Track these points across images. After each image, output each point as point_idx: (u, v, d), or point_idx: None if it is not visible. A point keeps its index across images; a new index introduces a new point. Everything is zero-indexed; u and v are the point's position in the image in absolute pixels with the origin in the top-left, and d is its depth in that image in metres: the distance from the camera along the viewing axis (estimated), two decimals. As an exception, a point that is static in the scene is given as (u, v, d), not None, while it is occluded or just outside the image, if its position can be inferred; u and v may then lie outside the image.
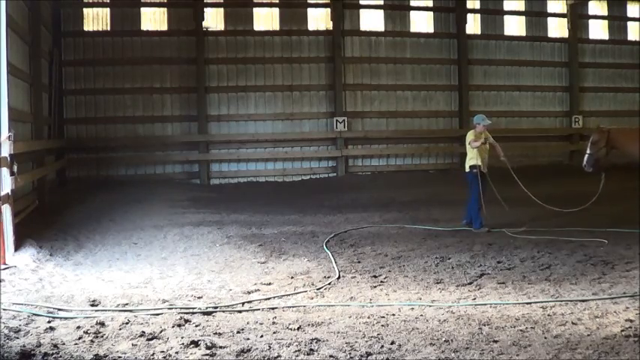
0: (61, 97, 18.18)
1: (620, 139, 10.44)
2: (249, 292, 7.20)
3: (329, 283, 7.65)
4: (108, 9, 19.01)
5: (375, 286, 7.49)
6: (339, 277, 7.96)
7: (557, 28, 22.73)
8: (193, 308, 6.43)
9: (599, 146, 10.47)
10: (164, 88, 19.33)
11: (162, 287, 7.47)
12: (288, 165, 20.07)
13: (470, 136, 11.61)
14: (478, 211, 11.37)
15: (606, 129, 10.70)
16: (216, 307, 6.50)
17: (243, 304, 6.71)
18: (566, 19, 22.53)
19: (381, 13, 21.02)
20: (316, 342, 5.27)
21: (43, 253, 9.21)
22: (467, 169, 11.66)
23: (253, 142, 19.78)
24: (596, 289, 7.06)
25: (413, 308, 6.44)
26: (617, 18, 23.40)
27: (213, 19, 19.72)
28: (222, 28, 19.71)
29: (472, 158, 11.52)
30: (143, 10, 19.34)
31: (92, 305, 6.56)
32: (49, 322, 5.91)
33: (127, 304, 6.59)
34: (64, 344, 5.21)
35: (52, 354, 4.97)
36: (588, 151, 10.60)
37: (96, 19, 18.99)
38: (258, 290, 7.33)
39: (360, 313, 6.26)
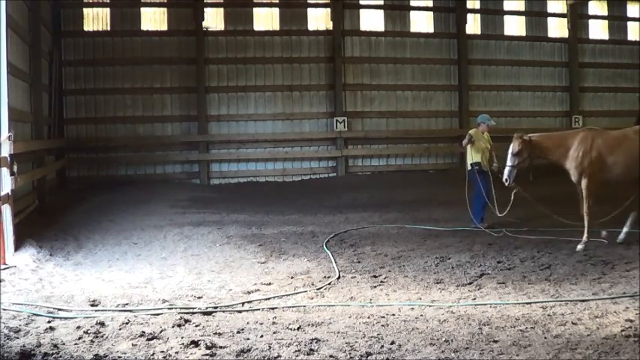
0: (61, 97, 18.18)
1: (543, 146, 9.66)
2: (249, 292, 7.20)
3: (329, 283, 7.65)
4: (108, 9, 19.01)
5: (375, 286, 7.49)
6: (339, 277, 7.96)
7: (557, 28, 22.73)
8: (193, 308, 6.43)
9: (523, 157, 9.60)
10: (164, 88, 19.33)
11: (162, 287, 7.47)
12: (288, 165, 20.07)
13: (475, 135, 11.69)
14: (480, 208, 11.40)
15: (527, 137, 9.67)
16: (216, 307, 6.50)
17: (243, 304, 6.71)
18: (566, 19, 22.53)
19: (381, 13, 21.02)
20: (316, 342, 5.28)
21: (43, 253, 9.21)
22: (468, 167, 11.74)
23: (253, 142, 19.78)
24: (596, 289, 7.07)
25: (413, 308, 6.44)
26: (617, 18, 23.39)
27: (213, 19, 19.73)
28: (222, 28, 19.71)
29: (473, 156, 11.60)
30: (143, 10, 19.35)
31: (92, 305, 6.56)
32: (49, 322, 5.91)
33: (127, 304, 6.59)
34: (64, 344, 5.21)
35: (52, 354, 4.97)
36: (509, 164, 9.66)
37: (96, 19, 18.99)
38: (258, 290, 7.33)
39: (360, 313, 6.26)
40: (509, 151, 9.68)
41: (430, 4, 21.49)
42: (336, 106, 20.14)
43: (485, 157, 11.65)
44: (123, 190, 16.53)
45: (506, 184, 9.82)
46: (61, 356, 4.95)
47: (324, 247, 9.94)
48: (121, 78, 18.94)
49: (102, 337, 5.41)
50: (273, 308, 6.52)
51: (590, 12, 23.20)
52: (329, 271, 8.35)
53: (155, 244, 10.36)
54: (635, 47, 23.24)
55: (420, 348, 5.16)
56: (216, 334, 5.53)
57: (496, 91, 21.92)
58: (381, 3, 21.05)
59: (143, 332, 5.45)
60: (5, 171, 8.99)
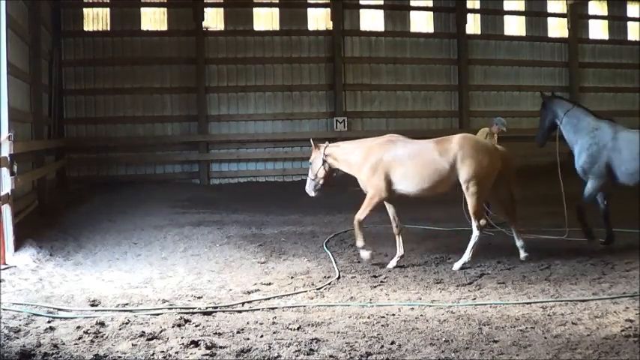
0: (61, 97, 18.20)
1: (335, 156, 9.03)
2: (249, 292, 7.20)
3: (329, 283, 7.64)
4: (108, 9, 19.04)
5: (375, 286, 7.48)
6: (339, 277, 7.96)
7: (557, 28, 22.75)
8: (193, 308, 6.43)
9: (318, 167, 9.11)
10: (164, 88, 19.34)
11: (162, 287, 7.47)
12: (288, 165, 20.08)
13: (482, 133, 11.74)
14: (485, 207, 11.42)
15: (322, 146, 9.14)
16: (216, 307, 6.50)
17: (243, 304, 6.70)
18: (566, 19, 22.56)
19: (381, 13, 21.04)
20: (316, 342, 5.27)
21: (43, 253, 9.21)
22: None
23: (253, 142, 19.79)
24: (596, 289, 7.06)
25: (413, 308, 6.44)
26: (617, 18, 23.41)
27: (213, 19, 19.74)
28: (222, 28, 19.74)
29: None
30: (143, 10, 19.37)
31: (92, 305, 6.56)
32: (49, 322, 5.91)
33: (127, 304, 6.58)
34: (64, 344, 5.21)
35: (52, 354, 4.96)
36: (309, 175, 9.28)
37: (96, 19, 19.01)
38: (258, 290, 7.32)
39: (360, 313, 6.25)
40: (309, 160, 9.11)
41: (430, 4, 21.51)
42: (336, 106, 20.15)
43: None
44: (123, 190, 16.53)
45: (311, 195, 9.28)
46: (61, 356, 4.94)
47: (324, 247, 9.94)
48: (121, 78, 18.96)
49: (102, 337, 5.41)
50: (273, 308, 6.51)
51: (590, 12, 23.22)
52: (329, 271, 8.34)
53: (155, 244, 10.36)
54: (635, 47, 23.25)
55: (420, 348, 5.16)
56: (216, 334, 5.53)
57: (496, 91, 21.93)
58: (381, 3, 21.06)
59: (143, 332, 5.45)
60: (5, 171, 8.99)
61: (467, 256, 8.39)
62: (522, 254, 8.68)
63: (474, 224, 8.50)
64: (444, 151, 8.45)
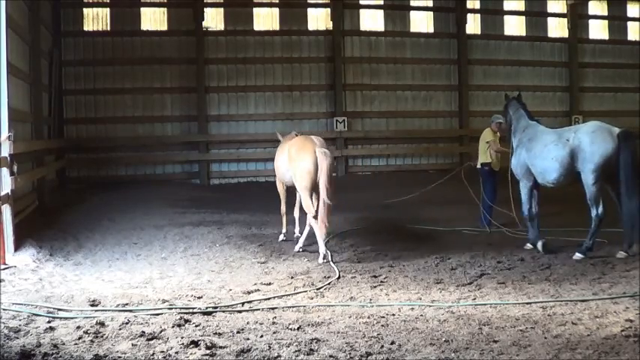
0: (61, 97, 18.20)
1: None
2: (249, 292, 7.20)
3: (329, 283, 7.65)
4: (108, 9, 19.05)
5: (375, 286, 7.48)
6: (339, 277, 7.96)
7: (557, 28, 22.76)
8: (193, 308, 6.43)
9: None
10: (164, 88, 19.34)
11: (162, 287, 7.47)
12: (288, 165, 20.06)
13: (488, 135, 11.68)
14: (489, 208, 11.41)
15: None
16: (216, 307, 6.50)
17: (243, 304, 6.70)
18: (566, 19, 22.56)
19: (381, 13, 21.05)
20: (316, 342, 5.27)
21: (43, 253, 9.22)
22: (478, 165, 11.76)
23: (253, 142, 19.78)
24: (596, 289, 7.07)
25: (413, 308, 6.44)
26: (617, 18, 23.41)
27: (213, 19, 19.75)
28: (222, 28, 19.74)
29: (484, 155, 11.61)
30: (143, 10, 19.38)
31: (92, 305, 6.56)
32: (49, 322, 5.91)
33: (127, 304, 6.58)
34: (64, 344, 5.21)
35: (52, 354, 4.96)
36: None
37: (96, 19, 19.02)
38: (258, 290, 7.32)
39: (360, 313, 6.25)
40: None
41: (430, 4, 21.51)
42: (336, 106, 20.15)
43: (497, 157, 11.67)
44: (123, 190, 16.53)
45: None
46: (61, 356, 4.94)
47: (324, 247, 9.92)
48: (121, 78, 18.96)
49: (102, 337, 5.41)
50: (273, 308, 6.52)
51: (590, 12, 23.22)
52: (329, 271, 8.34)
53: (155, 244, 10.37)
54: (635, 47, 23.26)
55: (420, 348, 5.16)
56: (216, 334, 5.53)
57: (496, 91, 21.86)
58: (381, 3, 21.06)
59: (143, 332, 5.45)
60: (5, 171, 8.99)
61: (322, 249, 9.02)
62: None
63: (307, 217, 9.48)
64: (286, 151, 9.80)
